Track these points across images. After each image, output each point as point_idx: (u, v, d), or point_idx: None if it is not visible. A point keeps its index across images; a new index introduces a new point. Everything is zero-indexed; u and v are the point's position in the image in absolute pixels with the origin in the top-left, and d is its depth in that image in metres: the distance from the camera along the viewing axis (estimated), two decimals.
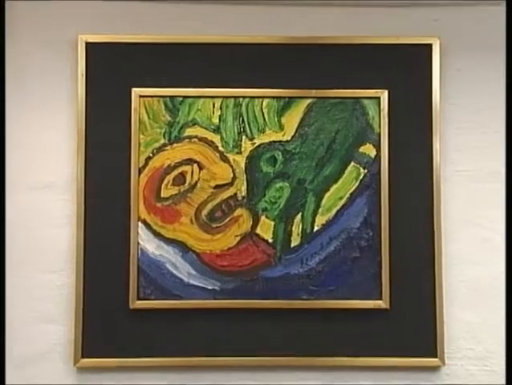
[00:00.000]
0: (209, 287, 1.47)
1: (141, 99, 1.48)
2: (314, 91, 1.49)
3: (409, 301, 1.48)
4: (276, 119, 1.49)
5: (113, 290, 1.47)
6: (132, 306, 1.46)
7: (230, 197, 1.48)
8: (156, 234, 1.47)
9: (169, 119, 1.49)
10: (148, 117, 1.49)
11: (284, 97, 1.49)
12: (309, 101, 1.49)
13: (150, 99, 1.48)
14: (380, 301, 1.48)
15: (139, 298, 1.46)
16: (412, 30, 1.52)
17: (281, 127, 1.49)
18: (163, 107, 1.49)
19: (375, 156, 1.49)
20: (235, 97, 1.49)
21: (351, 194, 1.49)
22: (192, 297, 1.47)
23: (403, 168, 1.49)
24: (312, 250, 1.48)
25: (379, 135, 1.49)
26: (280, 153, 1.49)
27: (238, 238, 1.48)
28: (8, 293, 1.44)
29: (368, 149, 1.50)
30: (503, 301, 1.44)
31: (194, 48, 1.49)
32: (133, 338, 1.47)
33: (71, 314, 1.47)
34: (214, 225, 1.48)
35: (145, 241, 1.47)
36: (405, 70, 1.50)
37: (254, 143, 1.49)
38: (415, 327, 1.48)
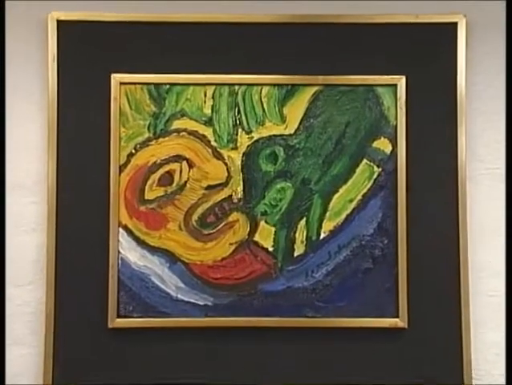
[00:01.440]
0: (201, 303, 1.42)
1: (122, 86, 1.43)
2: (320, 77, 1.44)
3: (430, 320, 1.42)
4: (277, 109, 1.44)
5: (89, 307, 1.41)
6: (111, 325, 1.41)
7: (224, 200, 1.43)
8: (140, 242, 1.43)
9: (154, 109, 1.44)
10: (130, 107, 1.44)
11: (286, 84, 1.44)
12: (315, 89, 1.44)
13: (132, 86, 1.43)
14: (397, 320, 1.42)
15: (119, 316, 1.41)
16: (433, 6, 1.45)
17: (282, 119, 1.44)
18: (147, 95, 1.44)
19: (391, 151, 1.44)
20: (230, 84, 1.44)
21: (364, 196, 1.44)
22: (180, 314, 1.42)
23: (423, 165, 1.44)
24: (318, 260, 1.43)
25: (396, 128, 1.44)
26: (282, 149, 1.44)
27: (234, 246, 1.43)
28: None
29: (383, 144, 1.44)
30: None
31: (183, 28, 1.44)
32: (112, 362, 1.41)
33: (40, 335, 1.41)
34: (206, 232, 1.43)
35: (127, 250, 1.42)
36: (426, 54, 1.45)
37: (252, 138, 1.44)
38: (437, 349, 1.42)
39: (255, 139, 1.43)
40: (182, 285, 1.41)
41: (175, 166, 1.43)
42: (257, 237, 1.42)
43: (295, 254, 1.42)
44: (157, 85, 1.43)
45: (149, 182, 1.42)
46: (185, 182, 1.43)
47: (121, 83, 1.42)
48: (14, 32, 1.44)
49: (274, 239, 1.42)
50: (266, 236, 1.42)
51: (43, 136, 1.43)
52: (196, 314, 1.41)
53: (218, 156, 1.43)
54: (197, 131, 1.43)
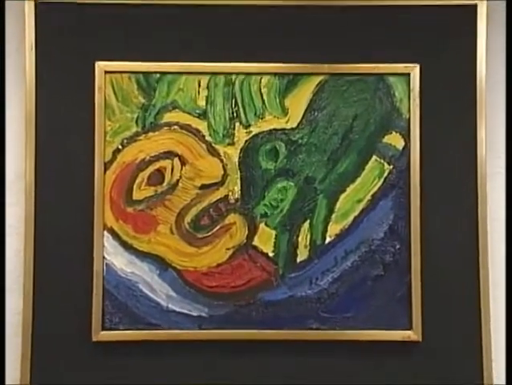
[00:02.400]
0: (194, 314, 1.39)
1: (107, 75, 1.40)
2: (326, 65, 1.40)
3: (446, 332, 1.38)
4: (278, 101, 1.40)
5: (71, 318, 1.37)
6: (95, 339, 1.37)
7: (220, 200, 1.40)
8: (127, 247, 1.39)
9: (143, 101, 1.40)
10: (117, 99, 1.40)
11: (288, 73, 1.41)
12: (320, 78, 1.41)
13: (118, 75, 1.40)
14: (410, 332, 1.38)
15: (104, 328, 1.37)
16: None
17: (284, 112, 1.41)
18: (135, 85, 1.40)
19: (403, 147, 1.40)
20: (226, 73, 1.40)
21: (373, 196, 1.40)
22: (172, 326, 1.38)
23: (438, 162, 1.40)
24: (323, 267, 1.39)
25: (409, 121, 1.40)
26: (283, 145, 1.41)
27: (231, 252, 1.39)
28: None
29: (394, 139, 1.40)
30: None
31: (175, 11, 1.40)
32: (96, 379, 1.37)
33: (16, 349, 1.37)
34: (200, 236, 1.40)
35: (112, 256, 1.38)
36: (442, 40, 1.40)
37: (251, 132, 1.40)
38: (453, 365, 1.38)
39: (254, 133, 1.39)
40: (174, 294, 1.38)
41: (166, 163, 1.39)
42: (256, 241, 1.39)
43: (298, 260, 1.39)
44: (146, 74, 1.39)
45: (137, 181, 1.39)
46: (177, 181, 1.39)
47: (106, 72, 1.38)
48: None
49: (275, 243, 1.39)
50: (265, 240, 1.39)
51: (20, 131, 1.38)
52: (189, 326, 1.37)
53: (213, 152, 1.39)
54: (190, 125, 1.39)
